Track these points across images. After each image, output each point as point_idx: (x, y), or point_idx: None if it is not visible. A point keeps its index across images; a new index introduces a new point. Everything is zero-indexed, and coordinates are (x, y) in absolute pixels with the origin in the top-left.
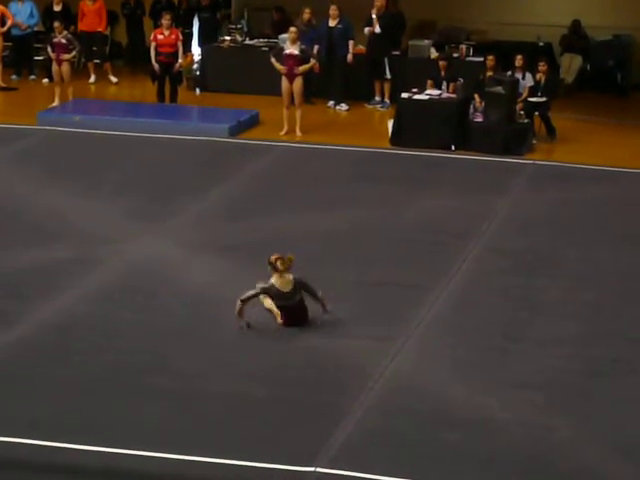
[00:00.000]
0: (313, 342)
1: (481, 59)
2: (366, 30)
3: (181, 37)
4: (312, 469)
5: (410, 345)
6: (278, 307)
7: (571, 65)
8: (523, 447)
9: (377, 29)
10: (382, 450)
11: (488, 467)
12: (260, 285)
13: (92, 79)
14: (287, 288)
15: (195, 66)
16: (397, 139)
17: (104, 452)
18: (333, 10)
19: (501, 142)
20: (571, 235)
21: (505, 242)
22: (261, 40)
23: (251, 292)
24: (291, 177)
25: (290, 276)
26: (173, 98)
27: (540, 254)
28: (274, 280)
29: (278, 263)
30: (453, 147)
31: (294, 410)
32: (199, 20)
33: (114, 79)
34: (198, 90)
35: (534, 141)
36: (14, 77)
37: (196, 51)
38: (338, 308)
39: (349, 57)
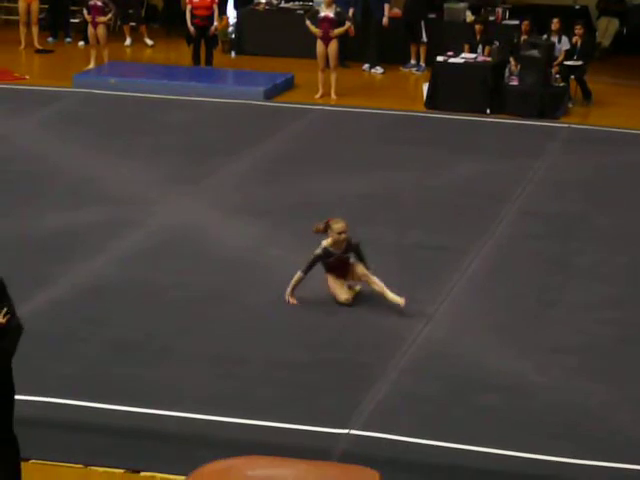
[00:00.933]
0: (349, 307)
1: (517, 22)
2: None
3: (217, 0)
4: (346, 431)
5: (444, 309)
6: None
7: (607, 28)
8: (557, 411)
9: None
10: (415, 413)
11: (522, 430)
12: (315, 252)
13: (128, 42)
14: (340, 248)
15: (230, 29)
16: (432, 102)
17: (136, 412)
18: None
19: (537, 106)
20: (605, 199)
21: (540, 206)
22: (296, 3)
23: (309, 261)
24: (326, 140)
25: (343, 236)
26: (209, 61)
27: (575, 218)
28: (326, 242)
29: (331, 223)
30: (488, 111)
31: (329, 373)
32: None
33: (150, 42)
34: (233, 53)
35: (570, 105)
36: (50, 39)
37: (232, 14)
38: (374, 271)
39: (385, 20)
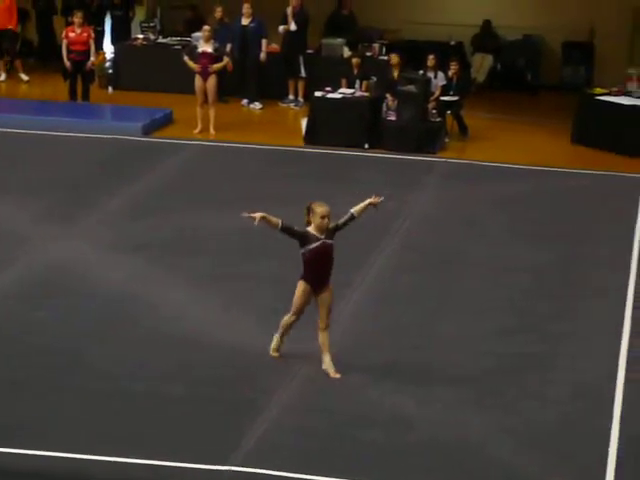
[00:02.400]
0: (233, 340)
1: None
2: (281, 28)
3: (93, 35)
4: (226, 468)
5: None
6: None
7: (482, 64)
8: (436, 444)
9: (292, 27)
10: (297, 448)
11: (401, 464)
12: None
13: (2, 77)
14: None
15: (107, 64)
16: (311, 137)
17: (17, 453)
18: (246, 8)
19: (414, 140)
20: (482, 232)
21: (418, 239)
22: (174, 38)
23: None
24: (205, 175)
25: (326, 221)
26: (85, 96)
27: (452, 251)
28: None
29: (313, 206)
30: (367, 145)
31: (208, 408)
32: (111, 18)
33: (25, 77)
34: (111, 88)
35: (446, 139)
36: None
37: (108, 49)
38: (253, 307)
39: (262, 56)
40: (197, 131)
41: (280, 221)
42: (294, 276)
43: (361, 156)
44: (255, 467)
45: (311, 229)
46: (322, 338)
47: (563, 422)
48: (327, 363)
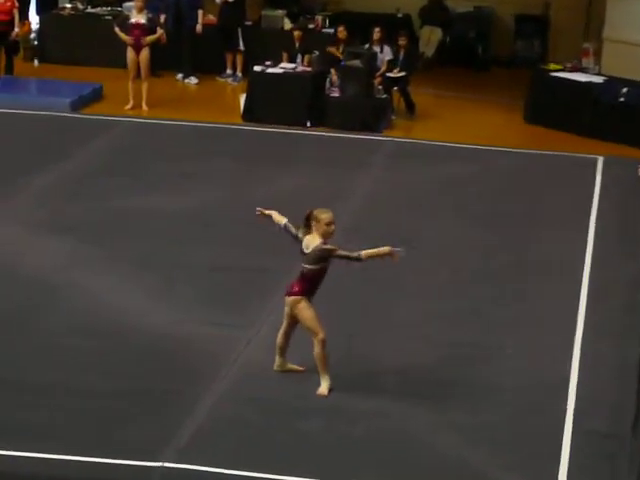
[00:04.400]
0: (162, 329)
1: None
2: None
3: (17, 4)
4: (158, 464)
5: (264, 333)
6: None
7: (430, 38)
8: (378, 437)
9: None
10: (234, 441)
11: (342, 458)
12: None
13: None
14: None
15: (33, 35)
16: (250, 115)
17: None
18: None
19: (359, 118)
20: (430, 214)
21: (363, 222)
22: (104, 8)
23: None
24: (137, 154)
25: (332, 228)
26: (9, 69)
27: (399, 234)
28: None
29: (316, 214)
30: (309, 123)
31: (139, 402)
32: None
33: None
34: (36, 61)
35: (393, 117)
36: None
37: (34, 19)
38: (187, 293)
39: (198, 27)
40: (129, 107)
41: (284, 220)
42: (227, 262)
43: (303, 134)
44: (189, 463)
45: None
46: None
47: (514, 416)
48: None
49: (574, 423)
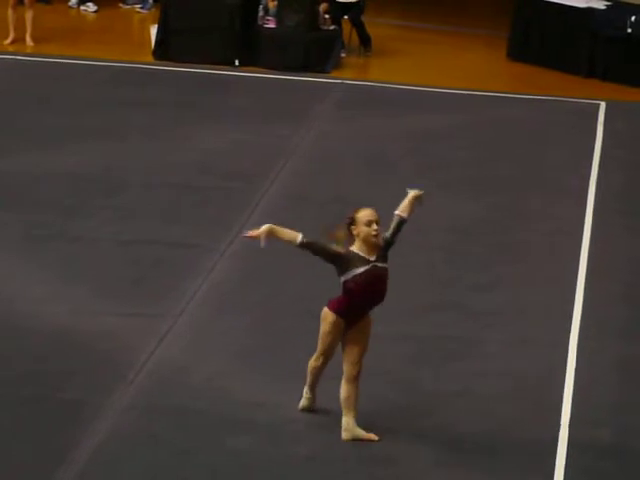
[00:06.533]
0: (60, 321)
1: None
2: None
3: None
4: None
5: (182, 325)
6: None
7: None
8: (331, 450)
9: None
10: (141, 463)
11: (282, 474)
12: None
13: None
14: (373, 252)
15: None
16: (163, 51)
17: None
18: None
19: (300, 55)
20: (391, 177)
21: (306, 186)
22: None
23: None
24: (20, 102)
25: (375, 227)
26: None
27: (350, 201)
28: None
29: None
30: (237, 62)
31: (29, 414)
32: None
33: None
34: None
35: (343, 54)
36: None
37: None
38: (90, 276)
39: None
40: (9, 41)
41: (299, 235)
42: (139, 236)
43: (230, 76)
44: None
45: (355, 248)
46: (346, 391)
47: (495, 429)
48: (349, 428)
49: (570, 437)
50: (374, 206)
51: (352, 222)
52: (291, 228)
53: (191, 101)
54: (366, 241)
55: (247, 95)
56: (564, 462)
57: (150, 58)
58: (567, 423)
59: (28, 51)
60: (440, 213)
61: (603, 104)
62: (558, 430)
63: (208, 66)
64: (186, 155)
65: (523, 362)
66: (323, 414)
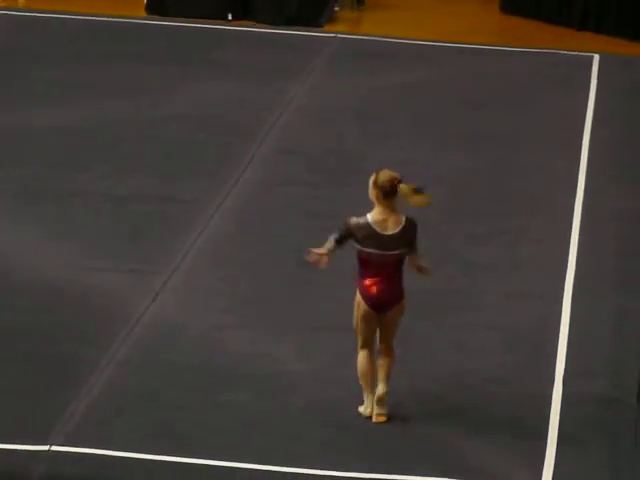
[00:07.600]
0: (53, 276)
1: None
2: None
3: None
4: (45, 448)
5: (176, 280)
6: (368, 260)
7: None
8: (326, 409)
9: None
10: (137, 419)
11: (280, 438)
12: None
13: None
14: (391, 230)
15: None
16: (156, 5)
17: None
18: None
19: (293, 9)
20: (384, 131)
21: (301, 142)
22: None
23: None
24: (10, 57)
25: (402, 216)
26: None
27: (345, 155)
28: (373, 215)
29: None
30: (230, 16)
31: (21, 372)
32: None
33: None
34: None
35: (336, 8)
36: None
37: None
38: (83, 231)
39: None
40: None
41: (332, 240)
42: (131, 190)
43: (223, 30)
44: (81, 446)
45: (373, 217)
46: (382, 361)
47: (490, 381)
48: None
49: (564, 390)
50: (367, 159)
51: (374, 186)
52: (283, 181)
53: (185, 55)
54: (388, 206)
55: (240, 49)
56: (559, 413)
57: (142, 12)
58: (562, 374)
59: (19, 6)
60: (433, 166)
61: (597, 57)
62: (553, 381)
63: (200, 20)
64: (180, 109)
65: (518, 314)
66: (318, 365)
